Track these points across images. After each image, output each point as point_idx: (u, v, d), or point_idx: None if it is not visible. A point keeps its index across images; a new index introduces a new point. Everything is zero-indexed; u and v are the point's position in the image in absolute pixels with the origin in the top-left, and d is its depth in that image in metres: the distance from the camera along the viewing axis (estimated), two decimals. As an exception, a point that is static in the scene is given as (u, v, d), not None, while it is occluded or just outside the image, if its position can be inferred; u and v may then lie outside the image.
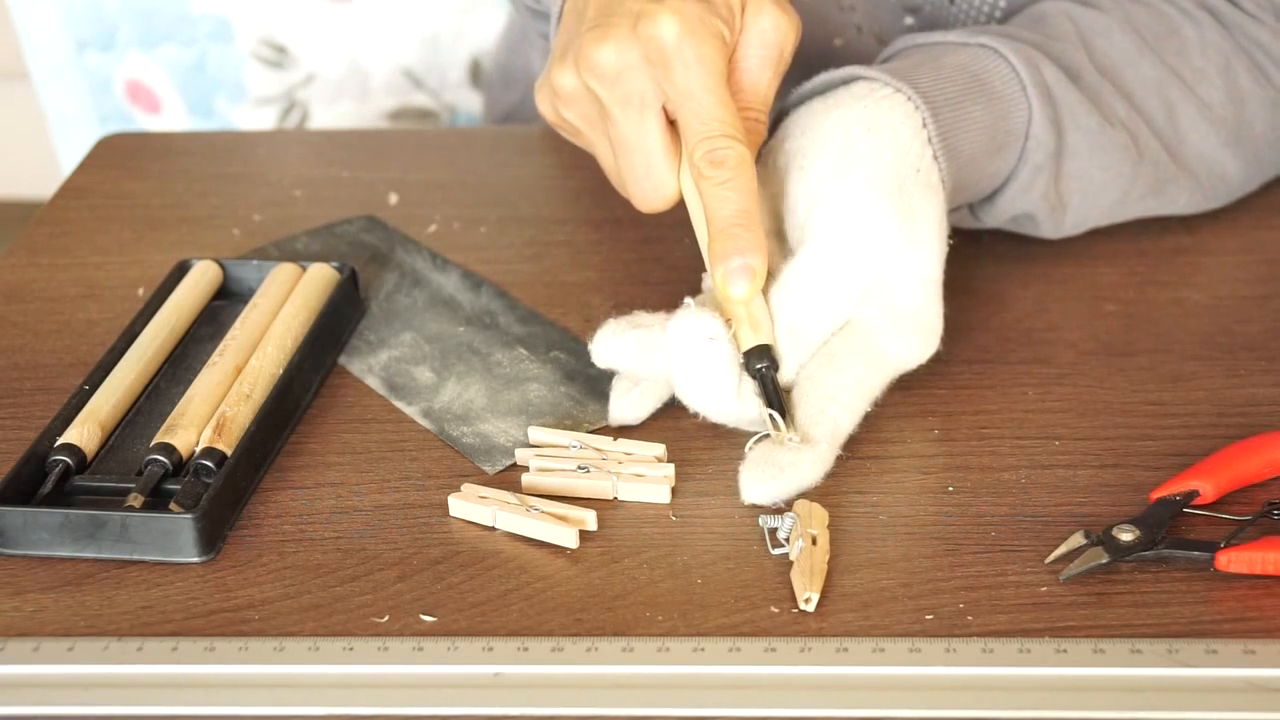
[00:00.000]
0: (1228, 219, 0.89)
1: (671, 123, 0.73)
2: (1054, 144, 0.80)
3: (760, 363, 0.70)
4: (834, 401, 0.71)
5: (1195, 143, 0.85)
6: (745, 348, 0.71)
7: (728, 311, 0.72)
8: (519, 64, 1.24)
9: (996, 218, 0.83)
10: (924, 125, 0.75)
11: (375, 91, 1.42)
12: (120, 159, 1.03)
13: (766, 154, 0.78)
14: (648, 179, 0.73)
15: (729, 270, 0.70)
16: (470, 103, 1.44)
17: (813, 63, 0.91)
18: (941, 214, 0.74)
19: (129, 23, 1.37)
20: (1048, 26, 0.84)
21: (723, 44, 0.71)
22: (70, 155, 1.41)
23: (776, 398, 0.70)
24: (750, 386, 0.71)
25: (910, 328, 0.73)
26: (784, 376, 0.72)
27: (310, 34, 1.39)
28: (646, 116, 0.72)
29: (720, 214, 0.71)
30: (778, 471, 0.69)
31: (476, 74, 1.42)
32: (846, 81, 0.77)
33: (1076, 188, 0.82)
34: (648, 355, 0.72)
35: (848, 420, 0.71)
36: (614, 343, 0.72)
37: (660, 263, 0.88)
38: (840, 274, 0.72)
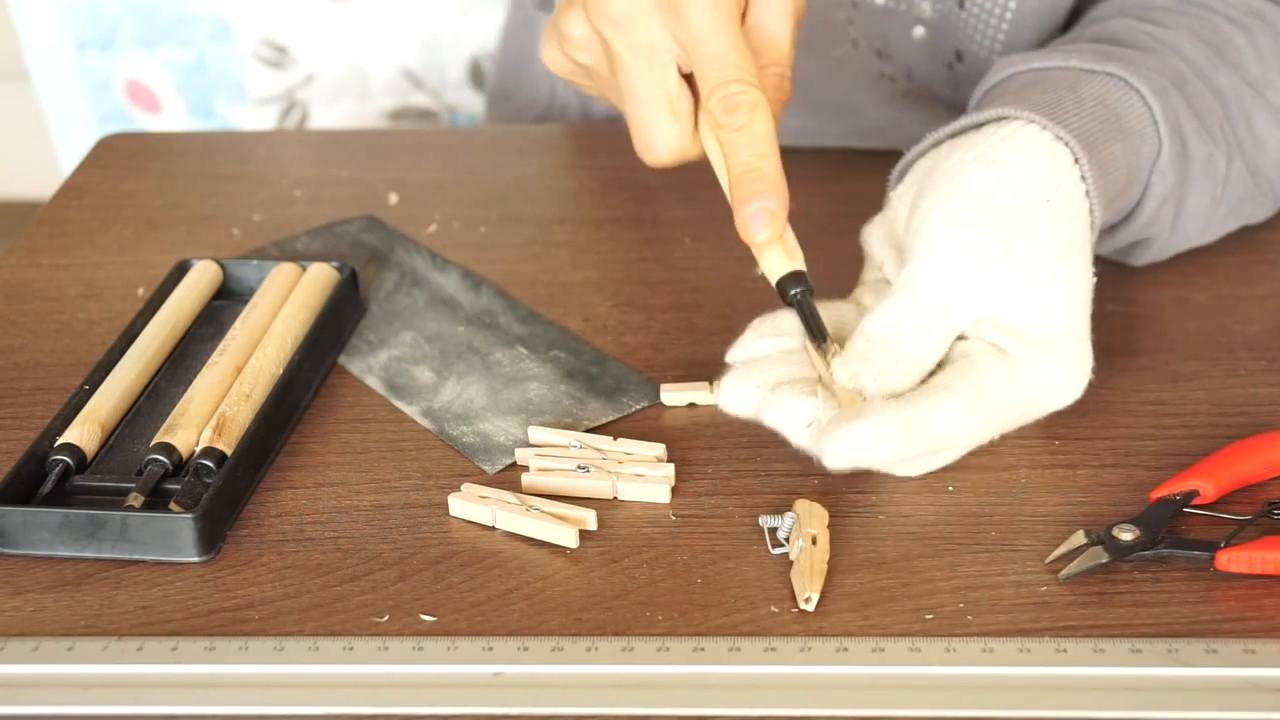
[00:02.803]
0: (1228, 219, 0.89)
1: (687, 77, 0.72)
2: (1175, 178, 0.78)
3: (795, 288, 0.69)
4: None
5: (1273, 149, 0.83)
6: (779, 274, 0.69)
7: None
8: (524, 76, 1.23)
9: (1103, 248, 0.81)
10: (1076, 163, 0.72)
11: (375, 91, 1.42)
12: (120, 159, 1.03)
13: (891, 198, 0.75)
14: (653, 129, 0.72)
15: (748, 215, 0.69)
16: (470, 103, 1.44)
17: (806, 75, 0.91)
18: (1068, 245, 0.70)
19: (129, 23, 1.37)
20: (1131, 41, 0.81)
21: None
22: (70, 155, 1.41)
23: (816, 322, 0.69)
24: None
25: (1049, 357, 0.69)
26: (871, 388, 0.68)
27: (310, 34, 1.39)
28: (654, 66, 0.71)
29: (738, 159, 0.69)
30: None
31: (476, 74, 1.42)
32: (978, 124, 0.74)
33: (1170, 214, 0.81)
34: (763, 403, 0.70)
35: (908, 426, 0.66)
36: (740, 391, 0.70)
37: (660, 263, 0.88)
38: (931, 304, 0.69)
